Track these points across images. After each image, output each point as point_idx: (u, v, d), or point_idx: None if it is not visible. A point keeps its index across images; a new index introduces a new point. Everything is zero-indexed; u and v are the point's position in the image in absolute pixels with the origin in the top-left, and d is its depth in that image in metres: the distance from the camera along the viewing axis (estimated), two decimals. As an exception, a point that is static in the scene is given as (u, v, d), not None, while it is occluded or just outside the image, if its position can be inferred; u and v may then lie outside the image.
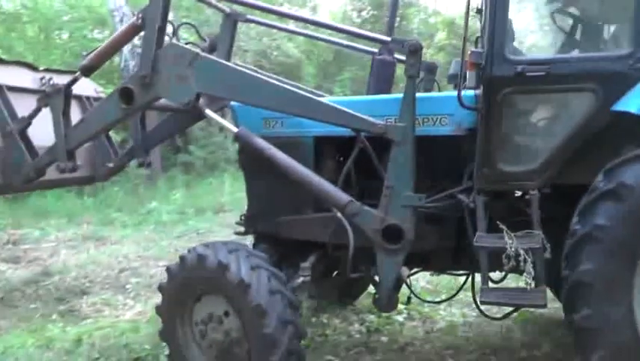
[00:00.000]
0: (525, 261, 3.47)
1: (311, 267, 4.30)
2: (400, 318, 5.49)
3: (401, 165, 3.83)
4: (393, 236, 3.84)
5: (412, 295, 4.83)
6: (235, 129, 4.20)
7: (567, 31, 4.45)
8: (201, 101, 4.38)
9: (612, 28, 4.33)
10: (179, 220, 10.54)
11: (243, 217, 4.75)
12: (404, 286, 4.48)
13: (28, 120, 4.83)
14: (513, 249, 3.49)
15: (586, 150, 3.54)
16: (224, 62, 4.37)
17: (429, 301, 5.19)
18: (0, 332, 5.48)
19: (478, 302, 3.95)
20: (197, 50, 4.30)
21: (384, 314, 5.53)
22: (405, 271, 4.58)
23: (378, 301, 4.09)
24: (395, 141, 3.81)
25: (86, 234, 9.67)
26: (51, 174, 4.85)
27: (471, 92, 3.83)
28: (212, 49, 5.13)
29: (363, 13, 21.46)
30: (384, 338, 5.15)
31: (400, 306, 5.26)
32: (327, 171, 4.30)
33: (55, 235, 9.57)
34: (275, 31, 13.78)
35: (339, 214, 4.02)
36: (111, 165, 5.60)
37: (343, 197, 3.93)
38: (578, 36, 4.42)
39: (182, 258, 4.11)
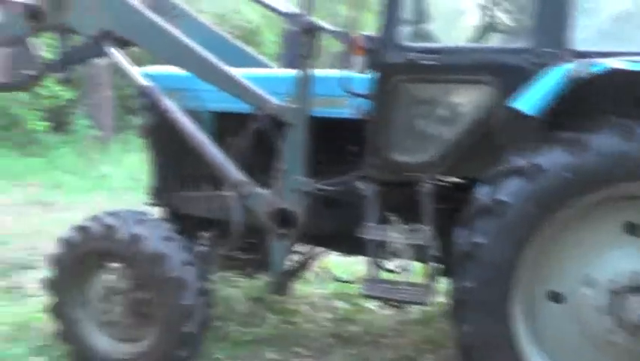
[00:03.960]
0: (406, 257, 3.47)
1: (210, 237, 4.17)
2: (371, 306, 5.19)
3: (293, 148, 3.75)
4: (284, 220, 3.81)
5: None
6: (144, 82, 3.98)
7: (471, 20, 4.25)
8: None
9: (515, 20, 4.12)
10: (134, 188, 9.94)
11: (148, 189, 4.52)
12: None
13: None
14: (395, 244, 3.50)
15: (484, 144, 3.33)
16: (132, 1, 4.06)
17: (345, 281, 4.90)
18: None
19: (361, 294, 3.85)
20: None
21: (354, 301, 5.24)
22: (315, 250, 4.67)
23: (270, 284, 4.13)
24: (288, 124, 3.73)
25: (32, 198, 9.03)
26: None
27: (362, 77, 3.54)
28: None
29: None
30: (355, 328, 4.86)
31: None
32: (228, 149, 4.04)
33: (-5, 199, 8.88)
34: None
35: (232, 193, 3.91)
36: (31, 72, 4.88)
37: (238, 177, 3.86)
38: (480, 26, 4.18)
39: (84, 228, 3.87)
